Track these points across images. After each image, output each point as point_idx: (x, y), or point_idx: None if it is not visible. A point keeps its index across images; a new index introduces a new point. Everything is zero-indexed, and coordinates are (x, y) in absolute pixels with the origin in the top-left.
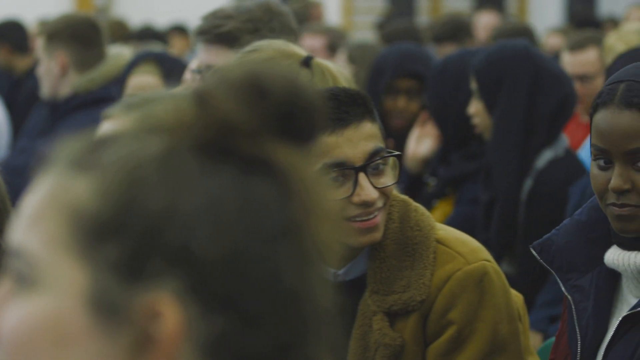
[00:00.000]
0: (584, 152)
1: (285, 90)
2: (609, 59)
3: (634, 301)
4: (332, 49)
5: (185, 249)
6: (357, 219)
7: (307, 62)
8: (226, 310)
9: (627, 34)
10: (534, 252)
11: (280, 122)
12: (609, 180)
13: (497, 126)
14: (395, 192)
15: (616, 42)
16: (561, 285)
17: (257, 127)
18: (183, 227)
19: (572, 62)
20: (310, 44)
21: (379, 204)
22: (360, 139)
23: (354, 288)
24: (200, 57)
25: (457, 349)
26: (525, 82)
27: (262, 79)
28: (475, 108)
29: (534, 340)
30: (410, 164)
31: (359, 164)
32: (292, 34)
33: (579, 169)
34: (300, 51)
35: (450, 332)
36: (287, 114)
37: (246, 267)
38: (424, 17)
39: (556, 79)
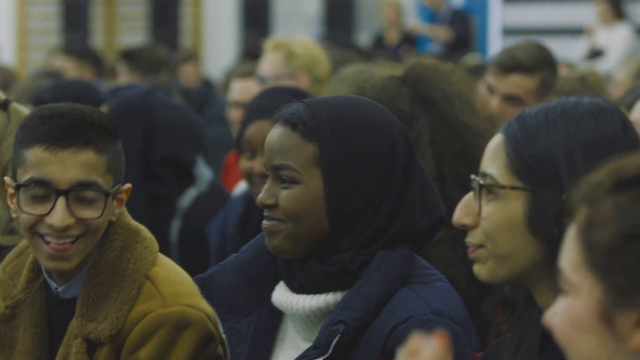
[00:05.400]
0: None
1: None
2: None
3: (302, 343)
4: (4, 88)
5: None
6: (47, 238)
7: (4, 105)
8: None
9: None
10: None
11: None
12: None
13: None
14: (130, 220)
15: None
16: (220, 325)
17: None
18: None
19: (233, 89)
20: None
21: (74, 231)
22: (74, 165)
23: (71, 306)
24: None
25: None
26: (138, 134)
27: None
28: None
29: None
30: None
31: (63, 187)
32: None
33: (223, 202)
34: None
35: None
36: None
37: None
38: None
39: (171, 127)
